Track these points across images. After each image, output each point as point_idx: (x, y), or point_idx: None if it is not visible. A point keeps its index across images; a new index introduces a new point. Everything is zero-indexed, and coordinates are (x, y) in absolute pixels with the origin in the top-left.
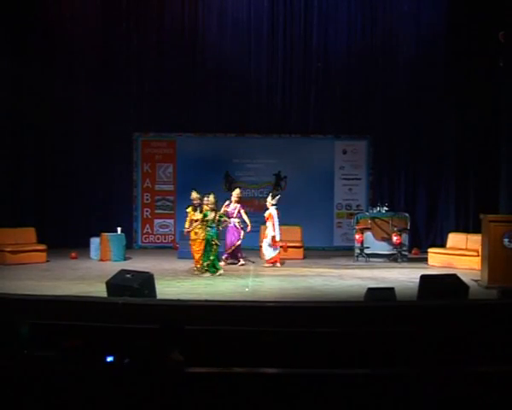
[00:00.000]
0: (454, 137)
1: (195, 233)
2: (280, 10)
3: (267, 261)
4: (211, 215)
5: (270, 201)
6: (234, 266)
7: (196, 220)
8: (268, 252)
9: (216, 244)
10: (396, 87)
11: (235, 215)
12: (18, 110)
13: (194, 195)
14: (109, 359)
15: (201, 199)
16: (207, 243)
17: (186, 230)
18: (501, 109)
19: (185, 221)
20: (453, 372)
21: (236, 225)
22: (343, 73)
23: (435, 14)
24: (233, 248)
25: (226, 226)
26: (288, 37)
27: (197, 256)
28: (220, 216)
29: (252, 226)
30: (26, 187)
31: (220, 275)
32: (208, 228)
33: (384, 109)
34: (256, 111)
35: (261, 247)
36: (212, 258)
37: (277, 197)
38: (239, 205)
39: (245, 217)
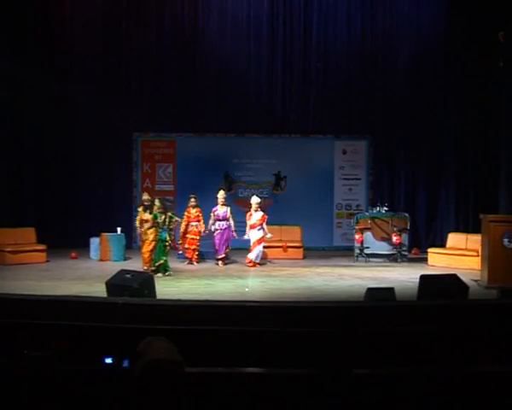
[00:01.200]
0: (454, 138)
1: (145, 233)
2: (280, 10)
3: (255, 263)
4: (161, 217)
5: (257, 203)
6: (231, 265)
7: (146, 221)
8: (259, 254)
9: (169, 245)
10: (396, 87)
11: (227, 217)
12: (18, 110)
13: (146, 196)
14: (108, 360)
15: (152, 201)
16: (159, 244)
17: (139, 229)
18: (501, 109)
19: (135, 220)
20: (453, 372)
21: (226, 226)
22: (343, 73)
23: (435, 14)
24: (227, 251)
25: (177, 225)
26: (287, 37)
27: (146, 257)
28: (170, 217)
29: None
30: (26, 187)
31: (169, 275)
32: (160, 229)
33: (384, 109)
34: (256, 111)
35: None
36: (164, 258)
37: (259, 200)
38: (229, 207)
39: (231, 221)
